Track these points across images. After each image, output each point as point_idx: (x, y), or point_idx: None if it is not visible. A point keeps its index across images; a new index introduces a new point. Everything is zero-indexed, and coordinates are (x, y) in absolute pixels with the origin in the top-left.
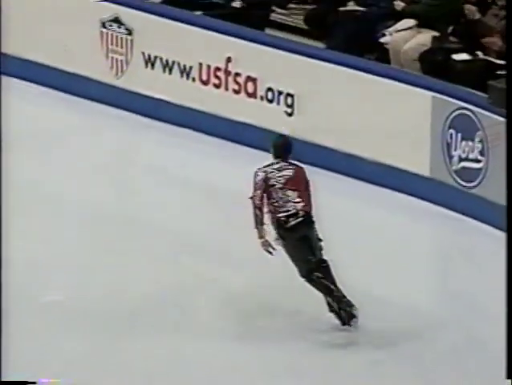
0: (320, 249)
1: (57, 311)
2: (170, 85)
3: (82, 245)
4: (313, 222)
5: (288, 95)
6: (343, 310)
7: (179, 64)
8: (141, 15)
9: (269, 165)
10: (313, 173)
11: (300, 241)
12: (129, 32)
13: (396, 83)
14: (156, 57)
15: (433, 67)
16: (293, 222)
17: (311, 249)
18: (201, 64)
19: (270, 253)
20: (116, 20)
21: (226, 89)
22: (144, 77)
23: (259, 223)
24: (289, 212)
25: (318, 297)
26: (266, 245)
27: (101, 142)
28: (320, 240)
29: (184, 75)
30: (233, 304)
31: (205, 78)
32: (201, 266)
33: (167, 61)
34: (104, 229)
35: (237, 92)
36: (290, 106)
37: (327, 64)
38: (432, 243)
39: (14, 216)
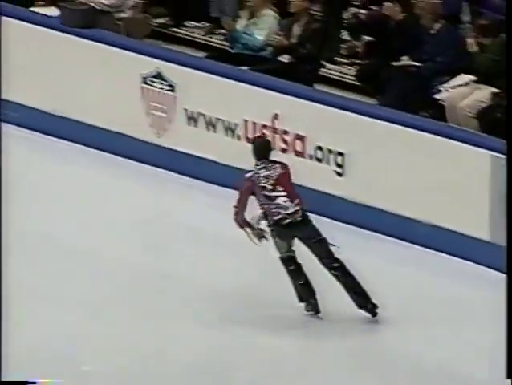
0: (327, 247)
1: (94, 380)
2: (214, 143)
3: (118, 307)
4: (310, 220)
5: (338, 154)
6: (313, 300)
7: (223, 121)
8: (184, 70)
9: (255, 170)
10: (364, 236)
11: (301, 241)
12: (171, 88)
13: (453, 142)
14: (199, 114)
15: (492, 125)
16: (289, 222)
17: (316, 251)
18: (246, 121)
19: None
20: (158, 76)
21: (273, 148)
22: (187, 135)
23: (243, 225)
24: (285, 216)
25: None
26: (257, 236)
27: (140, 203)
28: (325, 239)
29: (229, 133)
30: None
31: (250, 136)
32: (242, 329)
33: (211, 118)
34: (141, 290)
35: (284, 151)
36: (341, 166)
37: (379, 122)
38: (489, 310)
39: (47, 278)
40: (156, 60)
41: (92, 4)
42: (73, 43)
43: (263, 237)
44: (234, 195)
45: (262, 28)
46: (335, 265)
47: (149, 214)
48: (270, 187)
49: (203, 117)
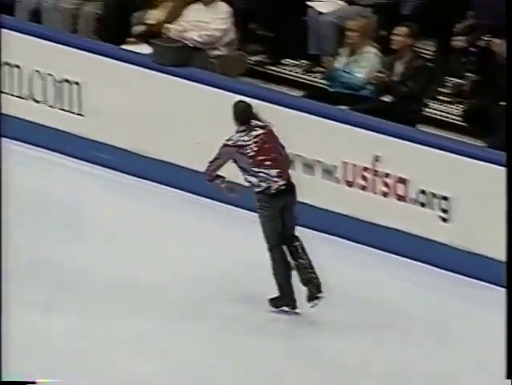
0: (295, 222)
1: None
2: (311, 186)
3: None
4: (294, 191)
5: (443, 198)
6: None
7: (321, 163)
8: (281, 110)
9: (238, 136)
10: (471, 286)
11: (281, 211)
12: None
13: None
14: (296, 155)
15: None
16: (275, 190)
17: (286, 221)
18: (345, 163)
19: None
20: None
21: (374, 191)
22: None
23: (214, 179)
24: (271, 184)
25: None
26: (228, 189)
27: (231, 247)
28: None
29: (327, 176)
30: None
31: (350, 179)
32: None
33: (308, 160)
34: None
35: (385, 195)
36: (445, 210)
37: (487, 164)
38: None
39: (106, 314)
40: (251, 99)
41: (185, 41)
42: (166, 82)
43: (234, 189)
44: (332, 240)
45: (363, 66)
46: (296, 243)
47: (241, 257)
48: (255, 154)
49: (300, 159)
